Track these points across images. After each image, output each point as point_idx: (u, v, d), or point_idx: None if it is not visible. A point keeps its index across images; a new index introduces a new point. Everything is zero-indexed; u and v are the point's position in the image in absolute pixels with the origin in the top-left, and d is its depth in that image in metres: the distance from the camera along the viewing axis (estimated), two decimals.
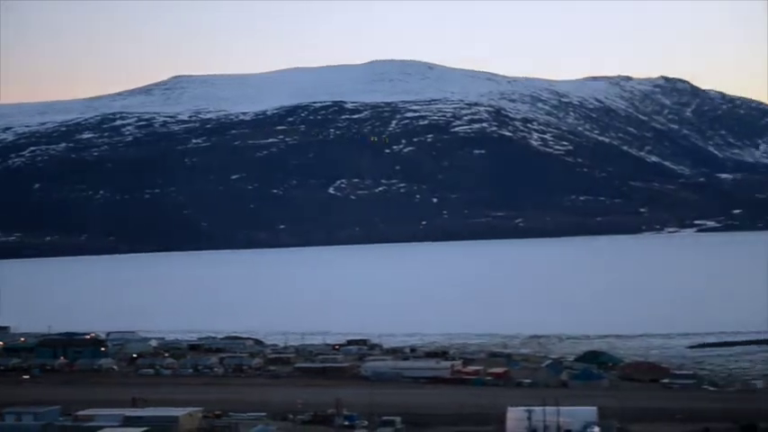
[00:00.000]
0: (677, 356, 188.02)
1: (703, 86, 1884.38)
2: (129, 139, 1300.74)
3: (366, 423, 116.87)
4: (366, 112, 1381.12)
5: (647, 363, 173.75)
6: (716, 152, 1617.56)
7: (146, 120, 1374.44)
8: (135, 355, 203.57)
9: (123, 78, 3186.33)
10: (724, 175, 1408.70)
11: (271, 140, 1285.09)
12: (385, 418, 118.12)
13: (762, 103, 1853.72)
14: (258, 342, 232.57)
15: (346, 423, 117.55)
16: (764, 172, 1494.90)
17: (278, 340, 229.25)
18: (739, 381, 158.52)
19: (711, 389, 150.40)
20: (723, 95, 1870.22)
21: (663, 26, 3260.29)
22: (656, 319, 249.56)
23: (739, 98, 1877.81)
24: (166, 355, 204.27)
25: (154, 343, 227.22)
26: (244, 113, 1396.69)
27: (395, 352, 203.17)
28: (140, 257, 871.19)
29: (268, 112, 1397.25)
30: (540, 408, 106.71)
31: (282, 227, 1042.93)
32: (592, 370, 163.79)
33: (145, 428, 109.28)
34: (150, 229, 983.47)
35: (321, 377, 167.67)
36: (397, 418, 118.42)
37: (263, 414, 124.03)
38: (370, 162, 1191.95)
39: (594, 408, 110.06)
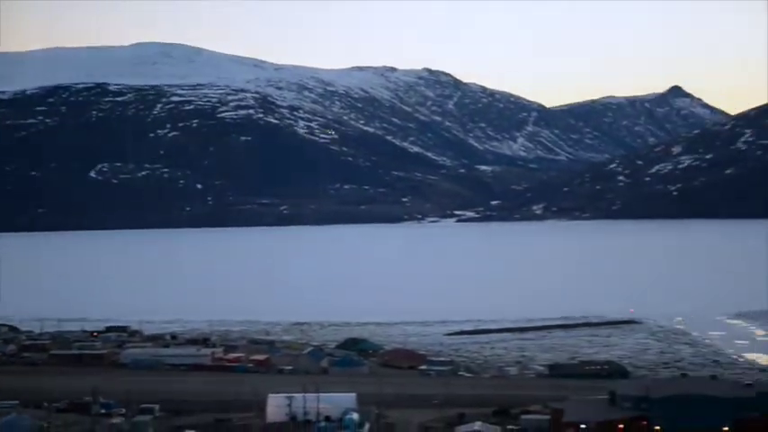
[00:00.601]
0: (435, 344, 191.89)
1: (465, 80, 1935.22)
2: None
3: (124, 411, 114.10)
4: (130, 95, 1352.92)
5: (406, 350, 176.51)
6: (476, 144, 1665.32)
7: None
8: None
9: None
10: (483, 167, 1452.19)
11: (30, 121, 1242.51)
12: (144, 405, 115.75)
13: (520, 98, 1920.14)
14: (13, 329, 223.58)
15: (103, 411, 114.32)
16: (522, 165, 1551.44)
17: (34, 327, 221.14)
18: (494, 367, 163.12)
19: (467, 375, 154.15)
20: (484, 89, 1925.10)
21: (427, 20, 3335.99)
22: (416, 307, 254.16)
23: (499, 92, 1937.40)
24: None
25: None
26: (1, 92, 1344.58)
27: (155, 339, 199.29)
28: None
29: (27, 92, 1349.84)
30: (301, 394, 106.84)
31: (41, 211, 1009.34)
32: (352, 357, 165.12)
33: None
34: None
35: (78, 364, 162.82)
36: (156, 406, 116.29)
37: (16, 402, 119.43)
38: (133, 146, 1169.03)
39: (354, 394, 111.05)
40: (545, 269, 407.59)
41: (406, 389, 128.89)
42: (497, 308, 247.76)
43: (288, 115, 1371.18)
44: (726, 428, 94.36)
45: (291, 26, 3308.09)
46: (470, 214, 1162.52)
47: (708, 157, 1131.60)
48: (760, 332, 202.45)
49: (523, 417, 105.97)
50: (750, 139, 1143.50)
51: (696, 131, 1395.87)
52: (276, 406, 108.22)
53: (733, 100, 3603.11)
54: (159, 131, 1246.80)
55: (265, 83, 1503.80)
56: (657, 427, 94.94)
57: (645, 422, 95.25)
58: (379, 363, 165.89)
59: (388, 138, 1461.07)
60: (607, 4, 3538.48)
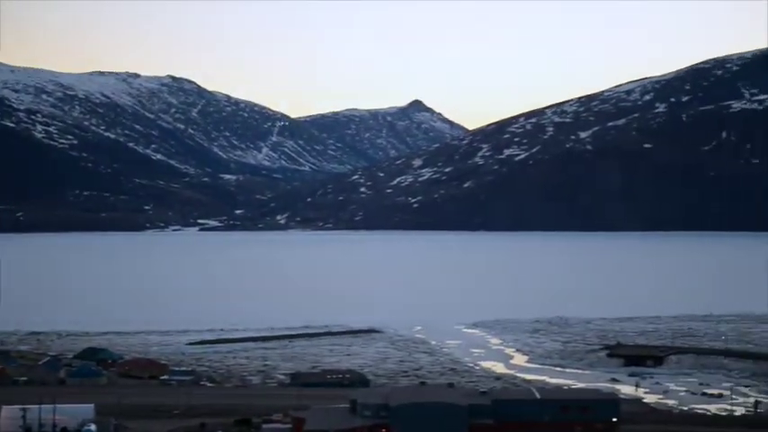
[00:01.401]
0: (176, 353, 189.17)
1: (210, 88, 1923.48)
2: None
3: None
4: None
5: (147, 359, 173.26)
6: (220, 153, 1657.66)
7: None
8: None
9: None
10: (228, 176, 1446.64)
11: None
12: None
13: (265, 108, 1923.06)
14: None
15: None
16: (266, 174, 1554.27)
17: None
18: (236, 376, 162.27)
19: (209, 385, 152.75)
20: (229, 98, 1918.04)
21: (171, 26, 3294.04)
22: (157, 316, 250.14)
23: (244, 101, 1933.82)
24: None
25: None
26: None
27: None
28: None
29: None
30: (36, 406, 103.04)
31: None
32: (90, 367, 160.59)
33: None
34: None
35: None
36: None
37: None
38: None
39: (92, 405, 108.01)
40: (287, 278, 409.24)
41: (147, 399, 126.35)
42: (240, 317, 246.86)
43: (25, 119, 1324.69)
44: None
45: (28, 27, 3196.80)
46: (214, 223, 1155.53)
47: (447, 170, 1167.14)
48: (495, 341, 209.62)
49: (265, 426, 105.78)
50: (487, 153, 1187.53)
51: (436, 145, 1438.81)
52: (10, 418, 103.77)
53: (471, 115, 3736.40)
54: None
55: (1, 85, 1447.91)
56: None
57: (384, 430, 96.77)
58: (119, 373, 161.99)
59: (131, 144, 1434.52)
60: (348, 19, 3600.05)
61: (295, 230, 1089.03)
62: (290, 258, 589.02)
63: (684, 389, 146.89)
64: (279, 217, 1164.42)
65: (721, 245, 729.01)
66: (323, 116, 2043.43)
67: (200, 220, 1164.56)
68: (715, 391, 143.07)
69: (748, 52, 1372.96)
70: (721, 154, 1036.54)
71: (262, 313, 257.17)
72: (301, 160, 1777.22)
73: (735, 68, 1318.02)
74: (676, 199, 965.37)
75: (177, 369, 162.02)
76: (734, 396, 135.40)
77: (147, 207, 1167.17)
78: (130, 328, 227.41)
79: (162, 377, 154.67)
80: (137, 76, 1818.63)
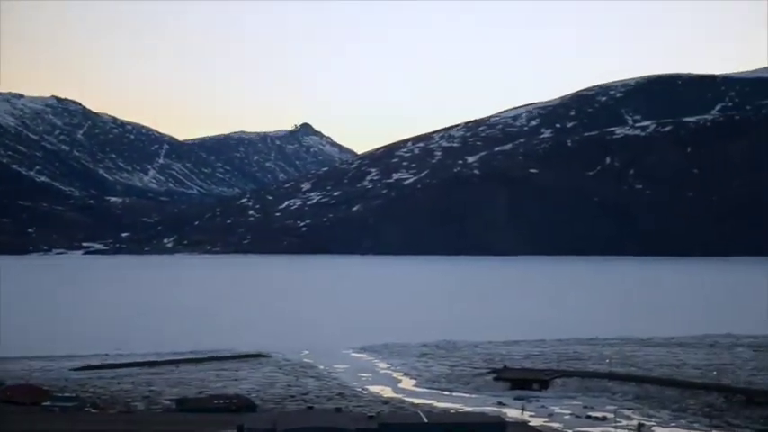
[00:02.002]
0: (60, 378, 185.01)
1: (95, 110, 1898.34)
2: None
3: None
4: None
5: (29, 385, 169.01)
6: (106, 175, 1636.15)
7: None
8: None
9: None
10: (113, 199, 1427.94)
11: None
12: None
13: (152, 130, 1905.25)
14: None
15: None
16: (153, 197, 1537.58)
17: None
18: (121, 402, 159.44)
19: (93, 411, 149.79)
20: (115, 120, 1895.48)
21: (56, 47, 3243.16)
22: (40, 341, 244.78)
23: (131, 123, 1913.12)
24: None
25: None
26: None
27: None
28: None
29: None
30: None
31: None
32: None
33: None
34: None
35: None
36: None
37: None
38: None
39: None
40: (174, 302, 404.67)
41: (28, 425, 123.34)
42: (126, 342, 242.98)
43: None
44: None
45: None
46: (99, 246, 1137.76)
47: (336, 194, 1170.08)
48: (383, 365, 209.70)
49: None
50: (376, 177, 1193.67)
51: (325, 169, 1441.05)
52: None
53: (360, 139, 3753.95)
54: None
55: None
56: None
57: None
58: (0, 399, 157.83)
59: (14, 166, 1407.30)
60: (236, 41, 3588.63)
61: (182, 254, 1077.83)
62: (177, 282, 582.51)
63: (569, 412, 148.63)
64: (166, 240, 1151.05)
65: (606, 269, 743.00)
66: (211, 138, 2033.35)
67: (84, 243, 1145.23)
68: (599, 414, 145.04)
69: (631, 79, 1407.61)
70: (605, 179, 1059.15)
71: (148, 338, 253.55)
72: (189, 183, 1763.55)
73: (618, 95, 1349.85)
74: (562, 223, 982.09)
75: (60, 395, 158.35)
76: (617, 419, 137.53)
77: (30, 230, 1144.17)
78: (12, 353, 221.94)
79: (44, 403, 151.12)
80: (20, 96, 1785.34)
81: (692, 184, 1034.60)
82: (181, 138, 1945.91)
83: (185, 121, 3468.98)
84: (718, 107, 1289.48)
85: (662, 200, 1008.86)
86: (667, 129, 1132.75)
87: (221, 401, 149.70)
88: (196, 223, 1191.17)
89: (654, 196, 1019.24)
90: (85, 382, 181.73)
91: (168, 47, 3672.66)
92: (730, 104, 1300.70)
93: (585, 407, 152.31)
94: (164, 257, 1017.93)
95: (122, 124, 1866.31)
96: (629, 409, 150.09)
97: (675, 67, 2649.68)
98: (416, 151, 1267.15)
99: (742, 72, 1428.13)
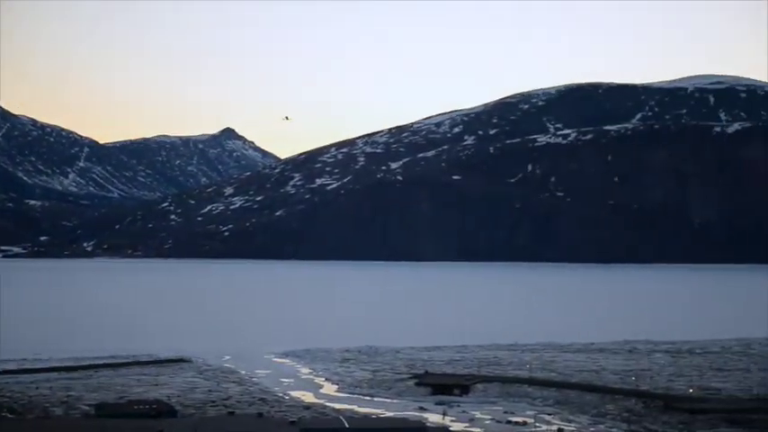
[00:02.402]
0: None
1: (14, 111, 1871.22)
2: None
3: None
4: None
5: None
6: (25, 178, 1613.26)
7: None
8: None
9: None
10: (33, 202, 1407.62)
11: None
12: None
13: (72, 133, 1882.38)
14: None
15: None
16: (73, 201, 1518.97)
17: None
18: (39, 407, 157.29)
19: (10, 416, 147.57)
20: (35, 122, 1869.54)
21: None
22: None
23: (51, 126, 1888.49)
24: None
25: None
26: None
27: None
28: None
29: None
30: None
31: None
32: None
33: None
34: None
35: None
36: None
37: None
38: None
39: None
40: (93, 306, 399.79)
41: None
42: (44, 346, 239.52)
43: None
44: None
45: None
46: (17, 250, 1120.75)
47: (258, 198, 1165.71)
48: (305, 370, 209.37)
49: None
50: (299, 182, 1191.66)
51: (247, 173, 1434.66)
52: None
53: (283, 144, 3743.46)
54: None
55: None
56: None
57: None
58: None
59: None
60: (159, 44, 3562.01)
61: (103, 258, 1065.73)
62: (97, 286, 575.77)
63: (490, 417, 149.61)
64: (86, 244, 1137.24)
65: (526, 275, 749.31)
66: (133, 142, 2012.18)
67: (3, 247, 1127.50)
68: (519, 419, 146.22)
69: (552, 88, 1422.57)
70: (527, 186, 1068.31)
71: (67, 342, 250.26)
72: (110, 186, 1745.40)
73: (540, 103, 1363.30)
74: (484, 230, 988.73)
75: None
76: (537, 424, 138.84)
77: None
78: None
79: None
80: None
81: (612, 191, 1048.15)
82: (102, 141, 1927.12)
83: (107, 123, 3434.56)
84: (638, 116, 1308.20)
85: (582, 207, 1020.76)
86: (588, 137, 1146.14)
87: (141, 407, 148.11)
88: (117, 227, 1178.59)
89: (575, 203, 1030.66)
90: (2, 386, 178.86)
91: (89, 48, 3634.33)
92: (650, 113, 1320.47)
93: (506, 412, 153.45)
94: (84, 261, 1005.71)
95: (42, 126, 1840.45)
96: (548, 414, 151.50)
97: (596, 76, 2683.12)
98: (340, 157, 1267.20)
99: (661, 81, 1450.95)
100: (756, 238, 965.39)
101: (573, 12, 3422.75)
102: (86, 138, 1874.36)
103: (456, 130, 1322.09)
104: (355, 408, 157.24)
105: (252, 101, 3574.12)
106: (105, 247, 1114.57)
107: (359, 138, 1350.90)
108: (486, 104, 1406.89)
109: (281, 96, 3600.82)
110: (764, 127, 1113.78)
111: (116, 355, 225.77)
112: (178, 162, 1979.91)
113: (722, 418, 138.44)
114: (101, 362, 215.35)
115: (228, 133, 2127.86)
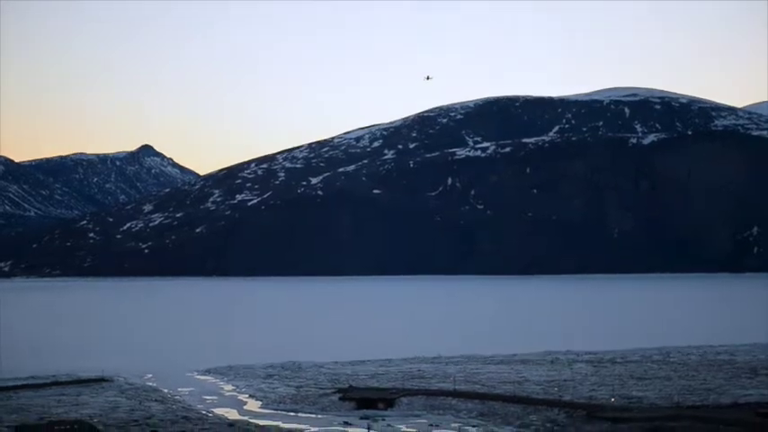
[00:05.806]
0: None
1: None
2: None
3: None
4: None
5: None
6: None
7: None
8: None
9: None
10: None
11: None
12: None
13: None
14: None
15: None
16: None
17: None
18: None
19: None
20: None
21: None
22: None
23: None
24: None
25: None
26: None
27: None
28: None
29: None
30: None
31: None
32: None
33: None
34: None
35: None
36: None
37: None
38: None
39: None
40: (9, 327, 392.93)
41: None
42: None
43: None
44: None
45: None
46: None
47: (179, 215, 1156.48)
48: (228, 387, 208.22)
49: None
50: (219, 198, 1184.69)
51: (167, 190, 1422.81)
52: None
53: (202, 161, 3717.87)
54: None
55: None
56: None
57: None
58: None
59: None
60: (75, 60, 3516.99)
61: (20, 278, 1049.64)
62: (14, 306, 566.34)
63: (415, 430, 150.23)
64: (2, 264, 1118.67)
65: (447, 288, 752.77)
66: (49, 160, 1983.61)
67: None
68: (444, 431, 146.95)
69: (470, 101, 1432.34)
70: (447, 199, 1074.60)
71: None
72: (26, 205, 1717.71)
73: (459, 117, 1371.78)
74: (404, 244, 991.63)
75: None
76: None
77: None
78: None
79: None
80: None
81: (531, 203, 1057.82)
82: (17, 159, 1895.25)
83: (22, 141, 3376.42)
84: (555, 128, 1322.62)
85: (503, 219, 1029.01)
86: (507, 150, 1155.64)
87: (62, 427, 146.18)
88: (34, 246, 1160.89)
89: (494, 216, 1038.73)
90: None
91: (4, 63, 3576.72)
92: (567, 126, 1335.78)
93: (431, 425, 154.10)
94: (0, 282, 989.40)
95: None
96: (473, 426, 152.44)
97: (514, 90, 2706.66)
98: (260, 172, 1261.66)
99: (578, 94, 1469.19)
100: (674, 246, 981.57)
101: (489, 27, 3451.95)
102: (1, 156, 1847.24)
103: (375, 144, 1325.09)
104: (280, 424, 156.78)
105: (169, 117, 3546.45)
106: (23, 266, 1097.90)
107: (278, 153, 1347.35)
108: (405, 118, 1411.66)
109: (198, 112, 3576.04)
110: (679, 137, 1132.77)
111: (36, 376, 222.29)
112: (96, 180, 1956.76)
113: (644, 427, 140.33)
114: (20, 383, 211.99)
115: (146, 150, 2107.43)
